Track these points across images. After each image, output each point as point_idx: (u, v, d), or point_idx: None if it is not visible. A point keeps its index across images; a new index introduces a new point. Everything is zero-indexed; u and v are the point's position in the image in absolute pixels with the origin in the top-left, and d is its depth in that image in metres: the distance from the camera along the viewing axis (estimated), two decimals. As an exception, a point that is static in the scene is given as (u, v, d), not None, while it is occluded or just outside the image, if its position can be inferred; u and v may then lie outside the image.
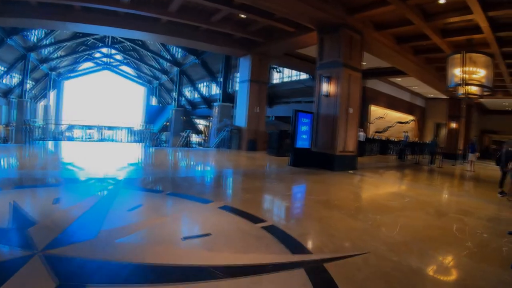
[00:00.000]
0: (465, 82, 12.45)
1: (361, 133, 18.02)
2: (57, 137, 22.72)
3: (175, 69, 34.67)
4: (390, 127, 28.59)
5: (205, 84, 36.88)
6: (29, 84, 31.69)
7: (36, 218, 4.27)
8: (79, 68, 46.50)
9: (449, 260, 4.05)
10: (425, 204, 7.41)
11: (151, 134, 18.45)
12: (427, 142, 27.62)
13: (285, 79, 28.87)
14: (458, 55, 12.61)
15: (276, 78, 29.22)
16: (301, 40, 14.64)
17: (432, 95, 28.96)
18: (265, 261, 3.47)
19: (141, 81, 52.15)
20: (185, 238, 4.02)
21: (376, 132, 26.85)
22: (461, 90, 13.09)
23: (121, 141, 21.30)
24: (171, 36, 15.86)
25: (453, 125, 25.32)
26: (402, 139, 25.78)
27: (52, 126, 28.33)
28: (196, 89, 37.09)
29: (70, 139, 25.63)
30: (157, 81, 45.56)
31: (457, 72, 12.74)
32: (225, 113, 22.64)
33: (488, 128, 33.01)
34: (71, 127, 29.88)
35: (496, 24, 11.29)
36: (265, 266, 3.35)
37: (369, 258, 3.81)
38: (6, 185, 6.01)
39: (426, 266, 3.75)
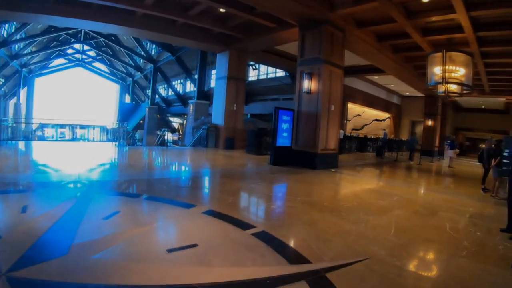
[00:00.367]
0: (445, 81, 12.47)
1: (341, 131, 17.95)
2: (28, 137, 21.58)
3: (150, 66, 33.75)
4: (367, 124, 28.87)
5: (180, 81, 36.19)
6: (-2, 82, 30.25)
7: (0, 232, 3.67)
8: (51, 65, 44.43)
9: (451, 262, 3.93)
10: (414, 203, 7.47)
11: (125, 133, 17.69)
12: (404, 139, 28.17)
13: (261, 77, 28.59)
14: (439, 54, 12.69)
15: (252, 75, 28.86)
16: (281, 36, 14.28)
17: (408, 93, 29.41)
18: (263, 275, 3.09)
19: (114, 78, 50.60)
20: (170, 250, 3.50)
21: (354, 129, 27.02)
22: (441, 89, 13.16)
23: (94, 140, 20.43)
24: (147, 30, 15.10)
25: (430, 122, 25.77)
26: (380, 136, 26.04)
27: (23, 125, 27.02)
28: (171, 86, 36.23)
29: (42, 138, 24.39)
30: (131, 78, 44.35)
31: (437, 70, 12.83)
32: (200, 111, 22.11)
33: (462, 125, 33.89)
34: (42, 126, 28.56)
35: (477, 24, 11.38)
36: (264, 281, 2.99)
37: (371, 264, 3.60)
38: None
39: (431, 271, 3.67)
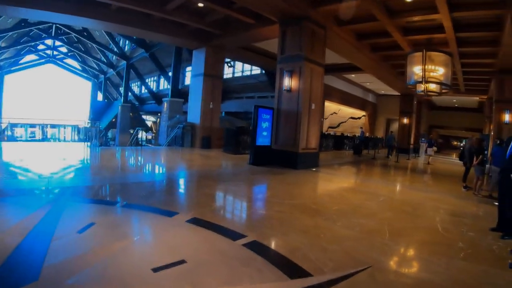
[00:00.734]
0: (425, 80, 12.53)
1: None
2: (-4, 137, 20.46)
3: (123, 63, 32.68)
4: (343, 122, 29.02)
5: (154, 79, 35.36)
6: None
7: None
8: (22, 61, 42.45)
9: (451, 265, 3.85)
10: (401, 203, 7.38)
11: (98, 132, 16.93)
12: (380, 137, 28.48)
13: (237, 74, 28.22)
14: (418, 53, 12.80)
15: (227, 72, 28.41)
16: (260, 32, 13.93)
17: (383, 92, 29.78)
18: (264, 295, 2.74)
19: (86, 76, 48.69)
20: (156, 270, 3.06)
21: (330, 127, 27.05)
22: (420, 88, 13.23)
23: (65, 140, 19.55)
24: (122, 25, 14.33)
25: (405, 120, 26.16)
26: (357, 134, 26.20)
27: (-9, 125, 25.77)
28: (144, 84, 35.29)
29: (11, 138, 23.19)
30: (104, 76, 42.98)
31: (417, 70, 12.88)
32: (175, 109, 21.57)
33: (436, 123, 35.01)
34: (12, 126, 27.17)
35: (458, 25, 11.47)
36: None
37: (374, 273, 3.42)
38: None
39: (434, 276, 3.49)
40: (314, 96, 12.08)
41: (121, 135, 28.89)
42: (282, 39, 12.07)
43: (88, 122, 30.83)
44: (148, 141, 25.02)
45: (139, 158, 12.49)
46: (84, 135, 18.77)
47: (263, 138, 11.73)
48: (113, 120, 34.27)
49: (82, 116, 41.47)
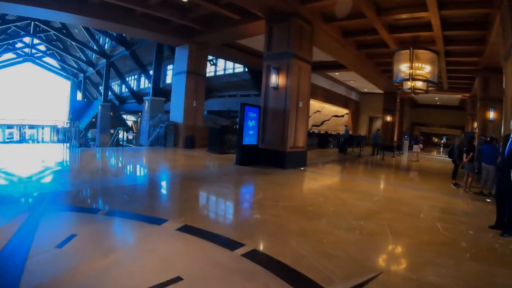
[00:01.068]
0: (412, 78, 12.49)
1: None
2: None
3: (103, 61, 31.85)
4: (326, 120, 28.93)
5: (134, 77, 34.54)
6: None
7: None
8: (-1, 60, 41.28)
9: (460, 267, 3.77)
10: (396, 202, 7.25)
11: (78, 133, 16.27)
12: (362, 135, 28.61)
13: (219, 72, 27.79)
14: (405, 51, 12.80)
15: (209, 71, 27.97)
16: (246, 29, 13.54)
17: (366, 90, 29.92)
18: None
19: (65, 75, 47.19)
20: None
21: (314, 125, 26.93)
22: (407, 85, 13.21)
23: (44, 141, 18.78)
24: (103, 20, 13.62)
25: (389, 118, 26.27)
26: (340, 132, 26.21)
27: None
28: (124, 82, 34.40)
29: (-11, 140, 22.26)
30: (83, 74, 41.87)
31: (403, 67, 12.81)
32: (156, 108, 21.11)
33: (418, 120, 35.60)
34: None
35: (446, 23, 11.44)
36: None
37: (387, 281, 3.23)
38: None
39: (446, 280, 3.37)
40: (302, 93, 11.86)
41: (101, 135, 28.17)
42: (269, 35, 11.78)
43: (67, 122, 29.92)
44: (129, 141, 24.40)
45: (121, 159, 11.93)
46: (63, 135, 18.02)
47: (250, 137, 11.41)
48: (93, 120, 33.43)
49: (61, 116, 40.47)
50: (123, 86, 35.74)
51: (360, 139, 26.22)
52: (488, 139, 9.36)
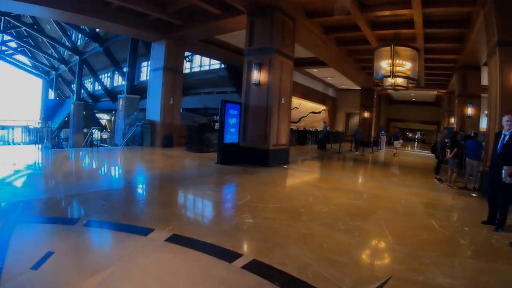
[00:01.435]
0: (393, 74, 12.52)
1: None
2: None
3: (76, 58, 30.53)
4: (303, 117, 28.93)
5: (108, 74, 33.50)
6: None
7: None
8: (-33, 58, 39.17)
9: (464, 265, 3.78)
10: (387, 200, 7.22)
11: (51, 133, 15.48)
12: (339, 131, 28.79)
13: (195, 69, 27.30)
14: (386, 48, 12.82)
15: (185, 67, 27.41)
16: (226, 24, 13.11)
17: (343, 86, 30.06)
18: None
19: (37, 72, 45.29)
20: None
21: (291, 122, 26.80)
22: (388, 82, 13.24)
23: (15, 143, 17.84)
24: (77, 14, 12.74)
25: (366, 114, 26.51)
26: (318, 129, 26.27)
27: None
28: (98, 80, 33.21)
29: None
30: (55, 72, 40.30)
31: (384, 64, 12.80)
32: (131, 106, 20.30)
33: (393, 116, 36.26)
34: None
35: (427, 21, 11.51)
36: None
37: (397, 286, 3.12)
38: None
39: (455, 280, 3.35)
40: (284, 90, 11.65)
41: (74, 135, 27.12)
42: (251, 30, 11.48)
43: (39, 122, 28.80)
44: (104, 140, 23.57)
45: (97, 161, 11.28)
46: (35, 136, 17.14)
47: (231, 135, 11.10)
48: (66, 119, 32.21)
49: (33, 116, 38.90)
50: (97, 84, 34.60)
51: (338, 135, 26.33)
52: (472, 134, 9.46)
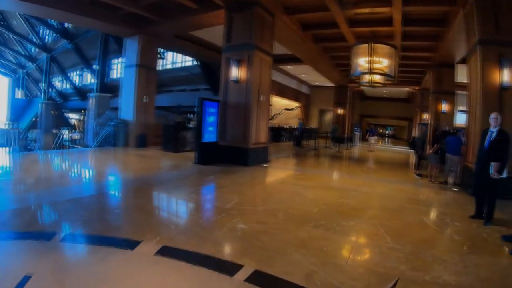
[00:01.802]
0: (371, 71, 12.59)
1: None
2: None
3: (44, 56, 29.27)
4: (278, 114, 28.86)
5: (77, 72, 32.26)
6: None
7: None
8: None
9: (465, 262, 3.77)
10: (374, 197, 7.29)
11: (19, 135, 14.64)
12: (314, 128, 28.98)
13: (168, 66, 26.82)
14: (364, 45, 12.82)
15: (157, 64, 26.82)
16: (203, 19, 12.69)
17: (317, 83, 30.25)
18: None
19: (4, 71, 43.01)
20: None
21: (266, 119, 26.71)
22: (365, 79, 13.34)
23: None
24: (46, 7, 11.81)
25: (340, 111, 26.72)
26: (293, 126, 26.36)
27: None
28: (67, 78, 31.89)
29: None
30: (23, 70, 38.55)
31: (361, 61, 12.85)
32: (102, 105, 19.59)
33: (366, 112, 36.92)
34: None
35: (406, 19, 11.63)
36: None
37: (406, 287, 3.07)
38: None
39: (460, 277, 3.38)
40: (263, 87, 11.46)
41: (44, 135, 26.01)
42: (229, 26, 11.18)
43: (6, 124, 27.47)
44: (74, 141, 22.67)
45: (69, 164, 10.55)
46: (2, 138, 16.18)
47: (209, 134, 10.78)
48: (34, 119, 30.90)
49: (0, 117, 37.10)
50: (66, 82, 33.34)
51: (313, 132, 26.47)
52: (452, 131, 9.65)
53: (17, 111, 34.19)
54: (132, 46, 15.51)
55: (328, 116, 31.92)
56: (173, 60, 26.32)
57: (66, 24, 23.98)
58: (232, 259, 3.45)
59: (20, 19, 26.19)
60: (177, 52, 24.06)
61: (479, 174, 5.51)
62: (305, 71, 24.18)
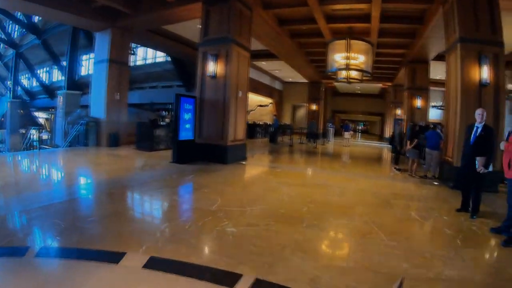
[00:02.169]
0: (348, 67, 12.67)
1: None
2: None
3: (11, 52, 27.87)
4: (251, 110, 28.66)
5: (46, 69, 30.90)
6: None
7: None
8: None
9: (464, 256, 3.80)
10: (359, 194, 7.28)
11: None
12: (288, 124, 29.11)
13: (139, 62, 25.97)
14: (341, 41, 12.92)
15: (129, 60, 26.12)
16: (179, 12, 12.22)
17: (290, 79, 30.25)
18: None
19: None
20: None
21: (240, 116, 26.53)
22: (342, 75, 13.39)
23: None
24: None
25: (314, 107, 26.87)
26: (268, 122, 26.36)
27: None
28: (35, 75, 30.32)
29: None
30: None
31: (337, 57, 12.88)
32: (72, 103, 18.77)
33: (338, 108, 37.63)
34: None
35: (383, 16, 11.72)
36: None
37: (414, 286, 3.03)
38: None
39: (463, 271, 3.40)
40: (241, 83, 11.27)
41: (11, 136, 24.84)
42: (206, 19, 10.87)
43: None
44: (43, 142, 21.69)
45: (40, 166, 9.76)
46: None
47: (186, 131, 10.45)
48: (1, 119, 29.50)
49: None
50: (34, 80, 31.92)
51: (288, 128, 26.49)
52: (432, 126, 9.83)
53: (-17, 111, 32.43)
54: (103, 40, 14.78)
55: (301, 112, 32.08)
56: (144, 56, 25.55)
57: (34, 19, 22.90)
58: (229, 268, 3.18)
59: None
60: (150, 47, 23.31)
61: (465, 169, 5.58)
62: (278, 67, 24.15)
